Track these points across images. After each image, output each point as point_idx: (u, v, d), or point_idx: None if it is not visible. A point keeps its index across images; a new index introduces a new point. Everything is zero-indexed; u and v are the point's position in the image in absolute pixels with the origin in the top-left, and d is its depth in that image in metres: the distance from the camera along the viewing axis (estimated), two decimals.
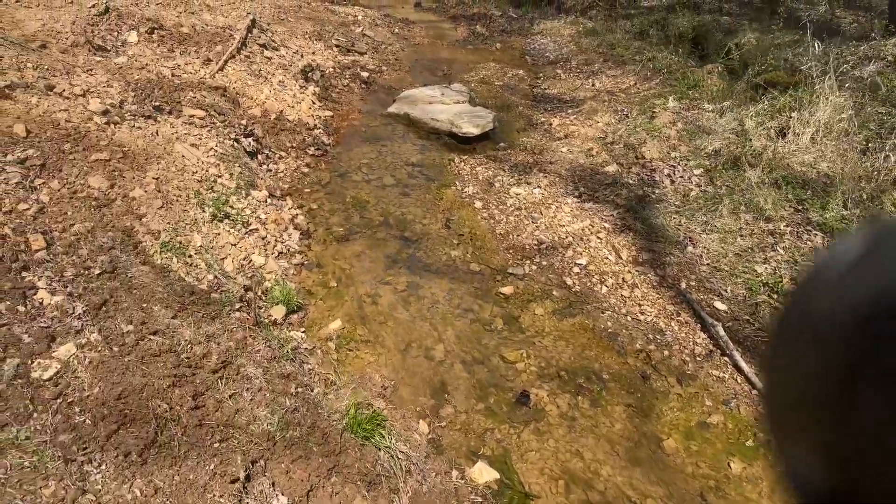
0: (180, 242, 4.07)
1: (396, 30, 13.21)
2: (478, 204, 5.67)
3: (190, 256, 4.03)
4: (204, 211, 4.55)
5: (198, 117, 5.95)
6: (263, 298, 4.05)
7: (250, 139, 5.96)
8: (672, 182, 5.32)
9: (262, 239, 4.70)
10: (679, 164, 5.55)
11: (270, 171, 5.93)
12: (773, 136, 5.58)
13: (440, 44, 12.50)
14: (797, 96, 5.73)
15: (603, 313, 4.24)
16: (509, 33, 13.75)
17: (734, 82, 7.51)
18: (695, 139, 5.97)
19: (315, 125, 7.30)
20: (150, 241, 3.94)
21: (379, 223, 5.39)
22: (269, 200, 5.27)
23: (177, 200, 4.51)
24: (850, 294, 0.35)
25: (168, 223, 4.18)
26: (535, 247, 4.94)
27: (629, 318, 4.19)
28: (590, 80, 9.49)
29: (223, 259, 4.27)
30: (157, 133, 5.14)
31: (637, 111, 7.06)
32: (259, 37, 8.62)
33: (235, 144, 5.82)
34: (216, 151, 5.41)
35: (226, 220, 4.58)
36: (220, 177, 5.10)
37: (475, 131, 7.20)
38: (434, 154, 6.95)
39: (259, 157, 6.01)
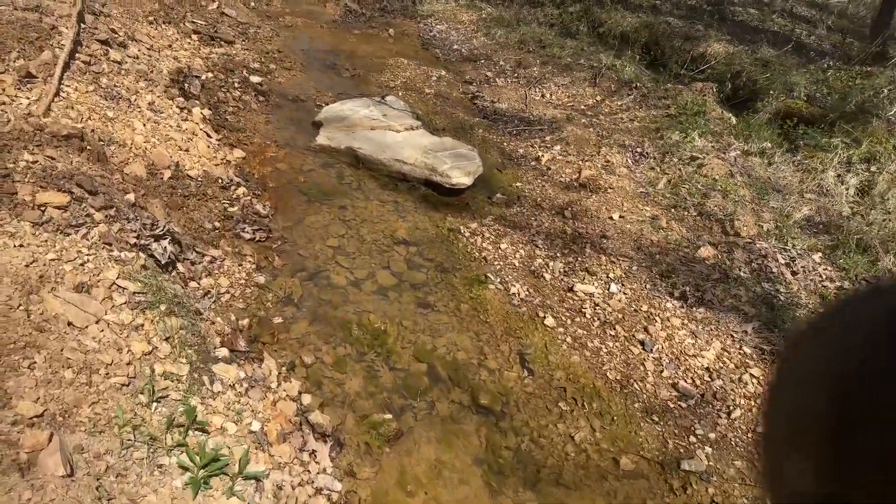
0: None
1: (253, 3, 10.34)
2: (548, 320, 3.91)
3: None
4: (165, 471, 2.22)
5: (57, 207, 3.29)
6: None
7: (163, 242, 3.45)
8: (794, 274, 4.12)
9: (280, 491, 2.48)
10: (788, 245, 4.36)
11: (209, 294, 3.51)
12: (854, 194, 4.64)
13: (318, 27, 9.97)
14: (876, 143, 4.85)
15: None
16: (391, 13, 11.58)
17: (732, 107, 6.56)
18: (765, 198, 4.86)
19: (231, 179, 4.81)
20: None
21: (424, 379, 3.39)
22: (242, 374, 2.97)
23: (96, 458, 2.13)
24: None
25: None
26: (678, 404, 3.38)
27: None
28: (536, 90, 7.98)
29: None
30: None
31: (654, 148, 5.75)
32: (95, 27, 5.62)
33: (141, 257, 3.31)
34: (124, 293, 2.93)
35: (212, 480, 2.29)
36: (153, 356, 2.70)
37: (467, 181, 5.31)
38: (421, 218, 4.95)
39: (181, 268, 3.55)
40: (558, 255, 4.54)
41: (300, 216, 4.70)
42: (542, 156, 6.08)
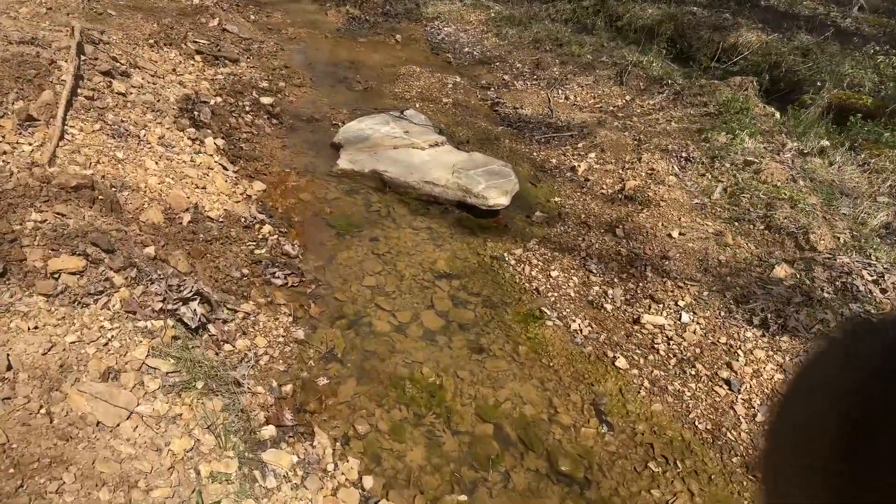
0: None
1: (253, 16, 9.97)
2: (619, 361, 3.54)
3: None
4: None
5: (72, 272, 2.94)
6: None
7: (192, 304, 3.10)
8: (883, 292, 3.73)
9: None
10: (871, 258, 3.97)
11: (247, 359, 3.15)
12: None
13: (322, 37, 9.58)
14: None
15: None
16: (395, 17, 11.19)
17: (773, 101, 6.16)
18: (833, 204, 4.47)
19: (254, 216, 4.44)
20: None
21: (493, 443, 3.03)
22: (295, 459, 2.61)
23: None
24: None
25: None
26: None
27: None
28: (559, 92, 7.59)
29: None
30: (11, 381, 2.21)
31: (700, 152, 5.36)
32: (96, 57, 5.26)
33: (170, 324, 2.95)
34: (156, 374, 2.58)
35: None
36: (196, 452, 2.34)
37: (504, 201, 4.94)
38: (460, 246, 4.58)
39: (213, 329, 3.19)
40: (616, 280, 4.16)
41: (331, 253, 4.33)
42: (578, 165, 5.69)
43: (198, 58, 7.03)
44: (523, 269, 4.27)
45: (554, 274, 4.22)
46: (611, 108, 7.03)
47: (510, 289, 4.15)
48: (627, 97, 7.09)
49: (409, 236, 4.65)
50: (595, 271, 4.25)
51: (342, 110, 6.78)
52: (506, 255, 4.44)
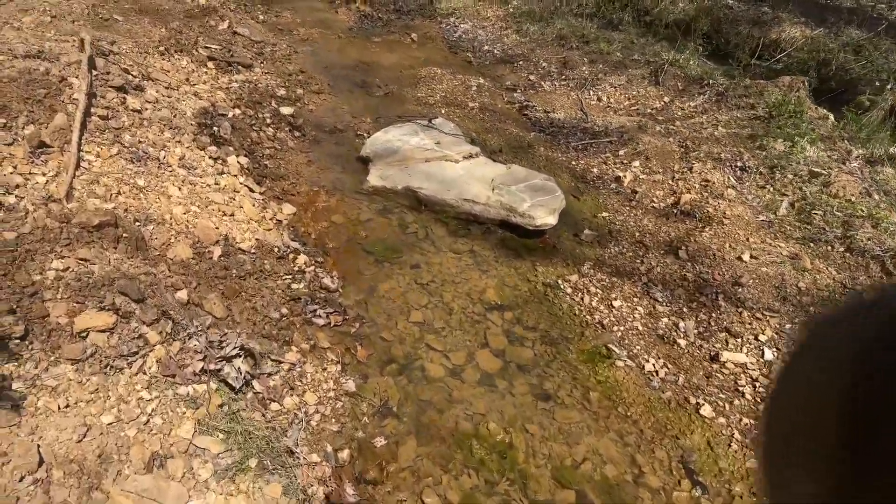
0: None
1: (262, 16, 9.58)
2: (704, 409, 3.21)
3: None
4: None
5: (101, 330, 2.62)
6: None
7: (236, 362, 2.77)
8: None
9: None
10: None
11: (297, 420, 2.83)
12: None
13: (335, 37, 9.18)
14: None
15: None
16: (408, 14, 10.78)
17: (825, 102, 5.80)
18: None
19: (287, 245, 4.11)
20: None
21: None
22: None
23: None
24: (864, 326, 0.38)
25: None
26: None
27: None
28: (590, 93, 7.22)
29: None
30: None
31: (756, 161, 5.02)
32: (108, 71, 4.91)
33: (213, 387, 2.63)
34: (206, 457, 2.26)
35: None
36: None
37: (552, 220, 4.60)
38: (507, 271, 4.25)
39: (258, 386, 2.86)
40: (685, 310, 3.83)
41: (371, 284, 4.00)
42: (623, 175, 5.35)
43: (210, 65, 6.67)
44: (582, 299, 3.94)
45: (616, 304, 3.89)
46: (649, 110, 6.67)
47: (569, 322, 3.82)
48: (666, 99, 6.72)
49: (452, 261, 4.32)
50: (661, 300, 3.92)
51: (365, 119, 6.42)
52: (560, 281, 4.11)
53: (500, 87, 7.65)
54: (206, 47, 6.98)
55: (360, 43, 8.97)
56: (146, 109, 4.86)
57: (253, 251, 3.89)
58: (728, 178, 4.95)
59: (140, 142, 4.35)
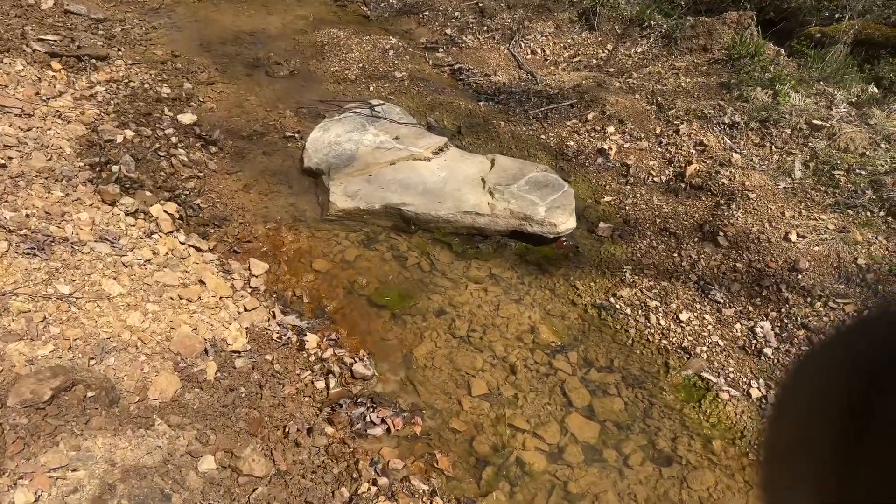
0: None
1: None
2: None
3: None
4: None
5: None
6: None
7: None
8: None
9: None
10: None
11: None
12: None
13: (190, 0, 7.55)
14: None
15: None
16: None
17: (768, 37, 5.67)
18: None
19: (286, 326, 3.19)
20: None
21: None
22: None
23: None
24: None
25: None
26: None
27: None
28: (522, 46, 6.54)
29: None
30: None
31: (744, 116, 4.71)
32: None
33: None
34: None
35: None
36: None
37: (573, 222, 4.04)
38: (544, 296, 3.68)
39: None
40: (751, 309, 3.52)
41: (404, 352, 3.24)
42: (607, 147, 4.88)
43: (55, 64, 5.12)
44: (647, 318, 3.49)
45: (683, 316, 3.49)
46: (594, 61, 6.19)
47: (645, 351, 3.37)
48: (608, 46, 6.26)
49: (477, 296, 3.65)
50: (722, 300, 3.58)
51: (283, 112, 5.31)
52: (611, 300, 3.61)
53: (418, 47, 6.74)
54: (41, 39, 5.35)
55: (226, 6, 7.47)
56: (11, 159, 3.49)
57: (249, 350, 2.95)
58: (723, 138, 4.66)
59: (28, 217, 3.10)
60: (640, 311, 3.54)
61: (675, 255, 3.93)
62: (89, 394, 2.24)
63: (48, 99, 4.52)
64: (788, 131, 4.54)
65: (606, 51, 6.23)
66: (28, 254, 2.83)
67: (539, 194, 4.12)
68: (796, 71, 5.15)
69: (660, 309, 3.55)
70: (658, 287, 3.69)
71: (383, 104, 5.19)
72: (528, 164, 4.52)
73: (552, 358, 3.30)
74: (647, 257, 3.94)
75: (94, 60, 5.42)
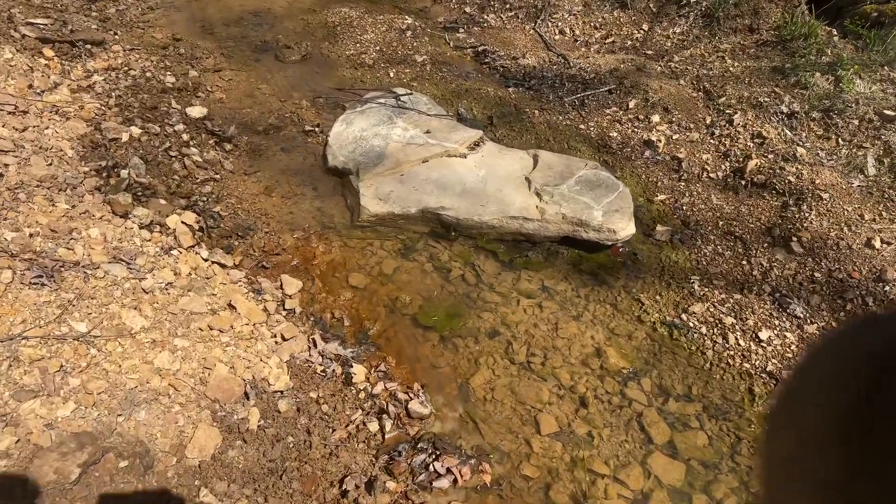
0: None
1: None
2: None
3: None
4: None
5: None
6: None
7: None
8: None
9: None
10: None
11: None
12: None
13: None
14: None
15: None
16: None
17: (824, 16, 5.28)
18: None
19: (328, 356, 2.85)
20: None
21: None
22: None
23: None
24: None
25: None
26: None
27: None
28: (550, 26, 6.12)
29: None
30: None
31: (803, 104, 4.36)
32: None
33: None
34: None
35: None
36: None
37: (633, 227, 3.70)
38: (605, 311, 3.35)
39: None
40: (835, 325, 3.22)
41: (459, 382, 2.92)
42: (657, 140, 4.52)
43: (47, 51, 4.69)
44: (725, 339, 3.17)
45: (763, 335, 3.17)
46: (629, 43, 5.79)
47: (722, 375, 3.06)
48: (643, 26, 5.86)
49: (534, 314, 3.32)
50: (803, 315, 3.27)
51: (300, 101, 4.90)
52: (683, 317, 3.29)
53: (437, 28, 6.30)
54: (30, 23, 4.91)
55: None
56: (7, 167, 3.10)
57: (293, 388, 2.61)
58: (783, 130, 4.31)
59: (32, 237, 2.72)
60: (715, 330, 3.23)
61: (745, 262, 3.60)
62: (121, 464, 1.90)
63: (42, 92, 4.10)
64: (856, 122, 4.20)
65: (642, 31, 5.82)
66: (36, 284, 2.46)
67: (592, 196, 3.77)
68: (856, 55, 4.78)
69: (737, 326, 3.23)
70: (731, 300, 3.37)
71: (411, 93, 4.79)
72: (575, 160, 4.16)
73: (624, 386, 2.99)
74: (714, 265, 3.62)
75: (89, 46, 4.99)
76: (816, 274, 3.44)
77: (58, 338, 2.26)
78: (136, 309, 2.58)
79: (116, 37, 5.29)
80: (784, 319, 3.27)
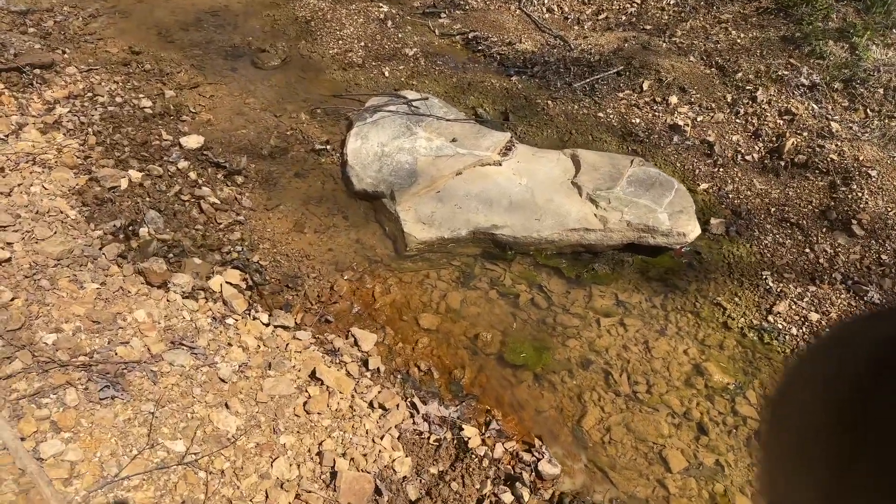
0: None
1: None
2: None
3: None
4: None
5: None
6: None
7: None
8: None
9: None
10: None
11: None
12: None
13: None
14: None
15: None
16: None
17: None
18: None
19: (433, 420, 2.60)
20: None
21: None
22: None
23: None
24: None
25: None
26: None
27: None
28: (535, 4, 5.83)
29: None
30: None
31: (823, 74, 4.32)
32: None
33: None
34: None
35: None
36: None
37: (698, 227, 3.56)
38: (689, 321, 3.23)
39: None
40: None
41: (570, 425, 2.74)
42: (683, 124, 4.40)
43: None
44: (818, 338, 3.12)
45: None
46: (623, 18, 5.60)
47: None
48: None
49: (619, 334, 3.16)
50: (880, 301, 3.26)
51: (297, 115, 4.48)
52: (770, 318, 3.21)
53: (415, 14, 5.90)
54: None
55: None
56: (12, 245, 2.62)
57: (417, 472, 2.35)
58: (810, 105, 4.27)
59: (75, 334, 2.30)
60: (805, 329, 3.17)
61: (808, 250, 3.55)
62: None
63: (7, 137, 3.52)
64: (881, 91, 4.21)
65: (635, 4, 5.65)
66: (106, 399, 2.08)
67: (650, 197, 3.61)
68: (859, 19, 4.79)
69: (823, 323, 3.18)
70: (808, 294, 3.32)
71: (426, 98, 4.44)
72: (618, 157, 3.98)
73: (733, 403, 2.89)
74: (778, 257, 3.55)
75: (38, 71, 4.36)
76: (883, 256, 3.44)
77: (160, 468, 1.91)
78: (224, 407, 2.23)
79: (66, 56, 4.66)
80: (864, 308, 3.25)
